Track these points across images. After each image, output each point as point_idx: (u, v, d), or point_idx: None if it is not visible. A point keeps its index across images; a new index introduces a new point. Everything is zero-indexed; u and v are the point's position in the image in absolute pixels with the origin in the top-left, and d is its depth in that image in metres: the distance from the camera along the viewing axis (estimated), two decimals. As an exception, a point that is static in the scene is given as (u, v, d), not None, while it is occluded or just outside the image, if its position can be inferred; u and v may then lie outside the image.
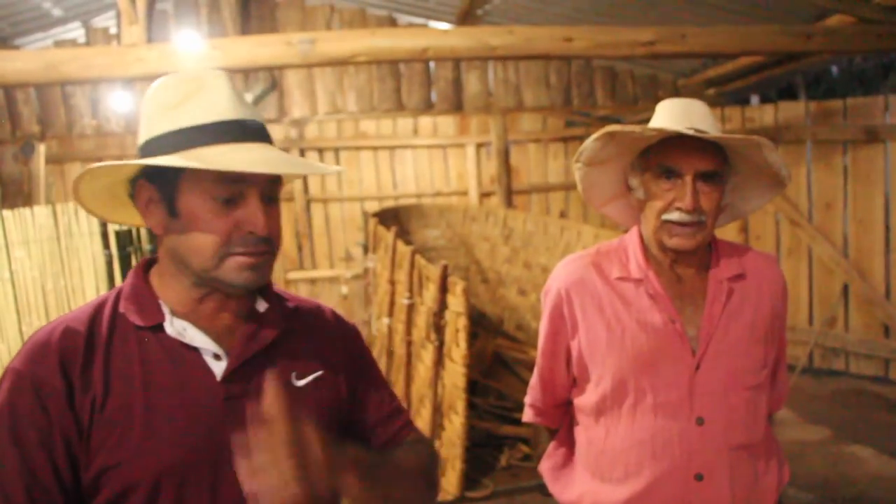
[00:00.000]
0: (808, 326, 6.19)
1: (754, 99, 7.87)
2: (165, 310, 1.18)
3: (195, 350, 1.17)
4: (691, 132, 1.52)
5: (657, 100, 1.73)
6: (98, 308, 1.19)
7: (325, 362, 1.30)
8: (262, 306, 1.26)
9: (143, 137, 1.17)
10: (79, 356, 1.11)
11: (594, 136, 1.61)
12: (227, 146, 1.12)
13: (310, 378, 1.26)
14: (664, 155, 1.57)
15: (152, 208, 1.18)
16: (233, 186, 1.13)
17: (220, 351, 1.18)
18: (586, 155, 1.67)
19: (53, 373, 1.09)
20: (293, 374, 1.24)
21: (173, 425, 1.12)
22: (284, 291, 1.36)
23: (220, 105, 1.15)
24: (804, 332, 6.10)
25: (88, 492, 1.10)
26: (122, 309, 1.18)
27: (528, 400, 1.91)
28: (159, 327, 1.17)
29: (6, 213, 4.41)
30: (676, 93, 7.25)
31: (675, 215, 1.56)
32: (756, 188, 1.70)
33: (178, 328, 1.17)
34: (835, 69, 7.63)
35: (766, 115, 6.47)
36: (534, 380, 1.86)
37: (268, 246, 1.16)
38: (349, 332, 1.41)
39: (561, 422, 1.87)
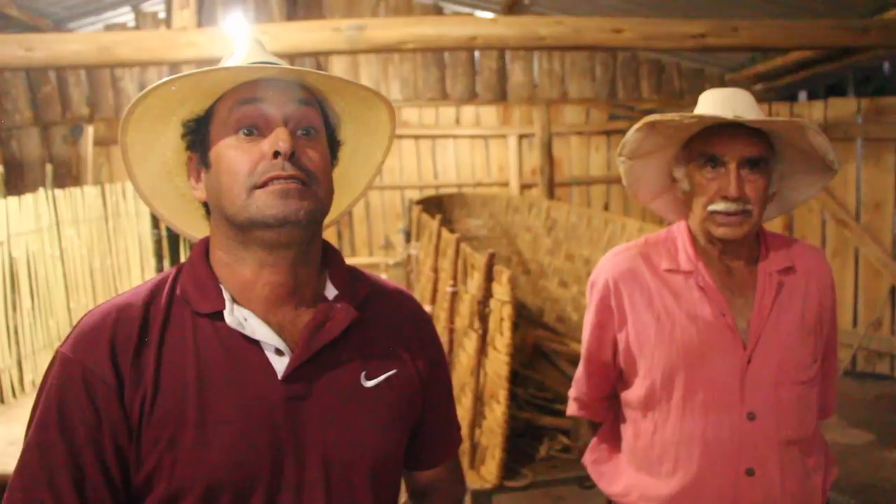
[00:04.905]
0: (853, 329, 6.07)
1: (802, 95, 7.73)
2: (226, 296, 1.06)
3: (255, 343, 1.05)
4: (733, 118, 1.50)
5: (704, 94, 1.70)
6: (155, 290, 1.09)
7: (400, 358, 1.16)
8: (331, 292, 1.14)
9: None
10: (131, 346, 1.02)
11: (635, 126, 1.59)
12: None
13: (381, 378, 1.12)
14: (707, 143, 1.55)
15: (199, 175, 1.11)
16: (249, 107, 1.05)
17: (282, 346, 1.05)
18: (629, 147, 1.65)
19: (103, 364, 1.00)
20: (363, 374, 1.11)
21: (229, 428, 1.01)
22: (362, 270, 1.25)
23: (242, 55, 1.11)
24: (848, 335, 5.99)
25: (139, 492, 1.03)
26: (179, 292, 1.08)
27: (572, 393, 1.90)
28: (218, 315, 1.05)
29: (57, 192, 4.50)
30: (723, 87, 7.15)
31: (720, 205, 1.54)
32: (804, 176, 1.67)
33: (239, 317, 1.05)
34: (887, 66, 7.45)
35: (815, 111, 6.34)
36: (579, 372, 1.85)
37: (300, 171, 1.03)
38: (428, 325, 1.26)
39: (605, 415, 1.86)
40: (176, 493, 1.01)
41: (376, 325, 1.16)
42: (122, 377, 1.00)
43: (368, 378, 1.11)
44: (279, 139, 1.02)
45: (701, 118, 1.52)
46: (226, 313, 1.05)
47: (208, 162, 1.08)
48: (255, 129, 1.05)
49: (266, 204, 1.01)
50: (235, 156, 1.04)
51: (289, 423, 1.04)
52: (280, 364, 1.05)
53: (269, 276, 1.07)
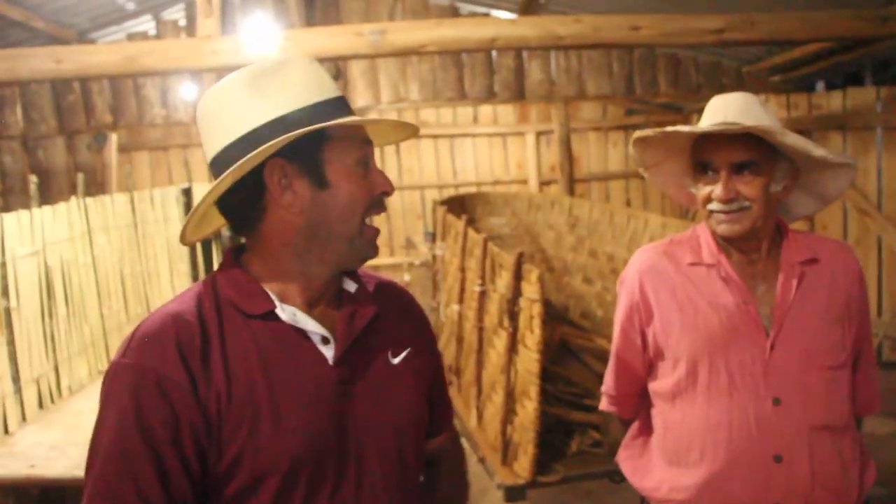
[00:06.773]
0: (878, 318, 6.07)
1: (820, 85, 7.69)
2: (273, 296, 1.17)
3: (305, 335, 1.17)
4: (716, 128, 1.57)
5: (721, 87, 1.80)
6: (199, 299, 1.16)
7: (410, 337, 1.32)
8: (350, 286, 1.27)
9: (251, 124, 1.13)
10: (197, 347, 1.10)
11: (631, 142, 1.76)
12: (353, 117, 1.17)
13: (403, 355, 1.28)
14: (700, 152, 1.66)
15: (293, 185, 1.14)
16: (367, 147, 1.20)
17: (328, 334, 1.18)
18: (636, 160, 1.80)
19: (175, 367, 1.07)
20: (389, 353, 1.26)
21: (299, 412, 1.12)
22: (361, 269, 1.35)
23: (321, 84, 1.18)
24: (873, 324, 5.88)
25: (220, 481, 1.10)
26: (225, 298, 1.16)
27: (604, 388, 1.96)
28: (270, 314, 1.15)
29: (88, 200, 4.57)
30: (740, 80, 7.15)
31: (715, 205, 1.63)
32: (824, 169, 1.70)
33: (289, 313, 1.16)
34: (905, 54, 7.41)
35: (833, 101, 6.33)
36: (609, 367, 1.91)
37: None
38: (420, 309, 1.43)
39: (634, 411, 1.91)
40: (261, 475, 1.10)
41: (386, 312, 1.30)
42: (194, 378, 1.08)
43: (394, 356, 1.27)
44: (387, 181, 1.22)
45: (676, 131, 1.65)
46: (278, 311, 1.16)
47: (326, 181, 1.15)
48: (366, 164, 1.20)
49: (369, 244, 1.22)
50: (360, 185, 1.18)
51: (344, 401, 1.17)
52: (328, 352, 1.18)
53: (317, 283, 1.21)
